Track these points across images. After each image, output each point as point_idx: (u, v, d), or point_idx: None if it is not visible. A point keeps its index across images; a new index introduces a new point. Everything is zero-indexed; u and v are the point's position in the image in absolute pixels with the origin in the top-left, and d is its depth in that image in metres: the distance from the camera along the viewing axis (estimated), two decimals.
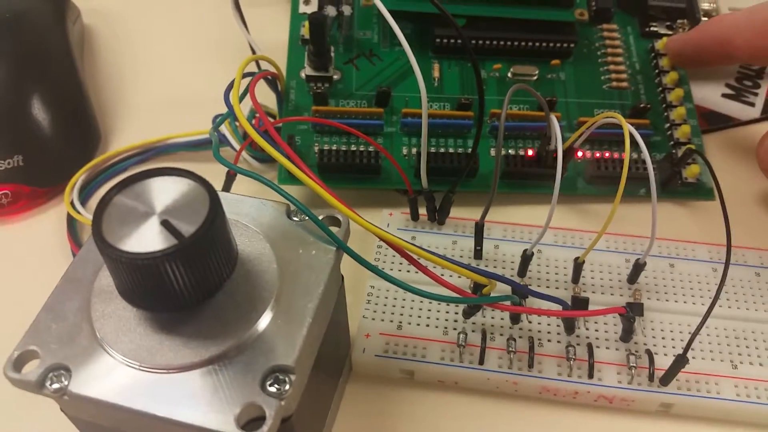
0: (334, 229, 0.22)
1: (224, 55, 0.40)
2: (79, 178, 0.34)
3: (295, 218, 0.23)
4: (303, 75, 0.35)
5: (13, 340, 0.27)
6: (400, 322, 0.28)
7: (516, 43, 0.36)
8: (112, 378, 0.19)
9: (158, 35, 0.42)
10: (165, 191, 0.19)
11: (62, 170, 0.34)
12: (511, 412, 0.27)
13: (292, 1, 0.37)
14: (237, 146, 0.33)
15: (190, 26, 0.43)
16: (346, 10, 0.36)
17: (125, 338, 0.20)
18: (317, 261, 0.22)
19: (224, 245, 0.20)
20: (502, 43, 0.36)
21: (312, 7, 0.37)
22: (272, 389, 0.19)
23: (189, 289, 0.19)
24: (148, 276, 0.18)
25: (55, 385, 0.19)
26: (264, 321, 0.20)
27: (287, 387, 0.19)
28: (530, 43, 0.36)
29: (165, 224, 0.19)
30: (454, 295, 0.23)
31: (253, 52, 0.35)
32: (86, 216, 0.32)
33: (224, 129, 0.33)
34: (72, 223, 0.32)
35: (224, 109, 0.30)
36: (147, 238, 0.18)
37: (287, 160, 0.22)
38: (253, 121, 0.34)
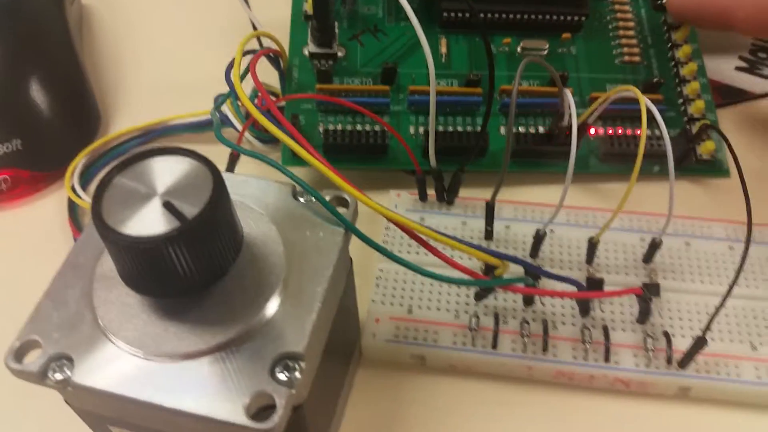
0: (341, 210, 0.21)
1: (225, 34, 0.40)
2: (80, 161, 0.33)
3: (300, 199, 0.22)
4: (306, 52, 0.34)
5: (13, 328, 0.27)
6: (411, 306, 0.27)
7: (525, 17, 0.35)
8: (115, 367, 0.19)
9: (158, 15, 0.42)
10: (166, 172, 0.19)
11: (62, 154, 0.33)
12: (526, 397, 0.26)
13: None
14: (239, 126, 0.32)
15: (189, 5, 0.42)
16: None
17: (129, 325, 0.19)
18: (325, 243, 0.21)
19: (229, 227, 0.19)
20: (511, 16, 0.35)
21: None
22: (282, 377, 0.18)
23: (193, 273, 0.18)
24: (150, 260, 0.18)
25: (58, 376, 0.19)
26: (272, 306, 0.19)
27: (297, 374, 0.18)
28: (540, 17, 0.35)
29: (167, 206, 0.18)
30: (466, 277, 0.23)
31: (255, 29, 0.34)
32: (87, 200, 0.31)
33: (226, 109, 0.33)
34: (73, 208, 0.32)
35: (226, 90, 0.29)
36: (149, 221, 0.18)
37: (291, 140, 0.22)
38: (256, 101, 0.33)
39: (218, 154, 0.23)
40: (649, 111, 0.25)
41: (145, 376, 0.19)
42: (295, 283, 0.20)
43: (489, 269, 0.26)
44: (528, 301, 0.27)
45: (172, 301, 0.19)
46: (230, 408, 0.18)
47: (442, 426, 0.26)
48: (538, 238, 0.28)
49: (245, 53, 0.29)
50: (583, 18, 0.35)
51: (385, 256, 0.21)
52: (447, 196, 0.30)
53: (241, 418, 0.17)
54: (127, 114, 0.37)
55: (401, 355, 0.26)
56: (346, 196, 0.22)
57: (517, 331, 0.26)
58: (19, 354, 0.19)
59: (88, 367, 0.19)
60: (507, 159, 0.26)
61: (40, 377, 0.19)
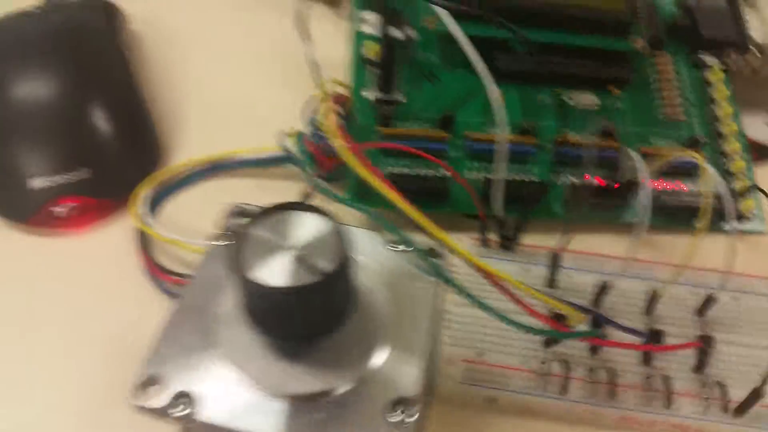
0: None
1: (277, 64, 0.41)
2: (145, 191, 0.34)
3: (391, 247, 0.23)
4: (365, 95, 0.35)
5: (90, 354, 0.28)
6: (481, 349, 0.28)
7: (574, 71, 0.37)
8: (239, 405, 0.20)
9: (209, 42, 0.43)
10: (298, 226, 0.20)
11: (127, 183, 0.34)
12: None
13: (353, 20, 0.37)
14: (301, 164, 0.34)
15: (240, 36, 0.43)
16: (413, 33, 0.36)
17: (251, 365, 0.20)
18: (422, 293, 0.22)
19: (351, 281, 0.20)
20: (559, 70, 0.36)
21: (370, 27, 0.37)
22: (395, 420, 0.19)
23: (321, 321, 0.20)
24: (287, 307, 0.19)
25: (184, 412, 0.20)
26: (381, 352, 0.21)
27: (412, 419, 0.19)
28: (588, 71, 0.37)
29: (300, 260, 0.19)
30: (547, 327, 0.24)
31: (314, 69, 0.35)
32: (154, 229, 0.32)
33: (291, 147, 0.34)
34: (142, 237, 0.33)
35: (283, 122, 0.31)
36: (281, 271, 0.19)
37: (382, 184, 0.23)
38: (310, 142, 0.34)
39: (282, 191, 0.24)
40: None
41: (269, 414, 0.20)
42: (397, 330, 0.21)
43: (559, 317, 0.27)
44: (594, 349, 0.28)
45: (293, 344, 0.21)
46: None
47: None
48: (603, 289, 0.29)
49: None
50: (629, 74, 0.37)
51: (486, 311, 0.22)
52: (509, 243, 0.31)
53: None
54: (185, 144, 0.38)
55: (474, 396, 0.27)
56: (439, 248, 0.23)
57: (584, 377, 0.27)
58: (141, 390, 0.20)
59: (212, 403, 0.20)
60: (577, 215, 0.28)
61: (165, 413, 0.20)
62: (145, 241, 0.33)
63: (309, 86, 0.37)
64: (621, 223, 0.33)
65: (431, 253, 0.23)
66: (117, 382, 0.28)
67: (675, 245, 0.33)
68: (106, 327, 0.30)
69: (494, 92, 0.28)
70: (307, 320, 0.20)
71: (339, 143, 0.24)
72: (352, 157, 0.24)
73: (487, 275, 0.23)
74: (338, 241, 0.19)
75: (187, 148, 0.37)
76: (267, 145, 0.35)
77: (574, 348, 0.28)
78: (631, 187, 0.33)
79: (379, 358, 0.21)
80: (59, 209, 0.33)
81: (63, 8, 0.38)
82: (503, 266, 0.31)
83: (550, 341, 0.28)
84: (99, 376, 0.29)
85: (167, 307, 0.30)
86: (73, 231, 0.34)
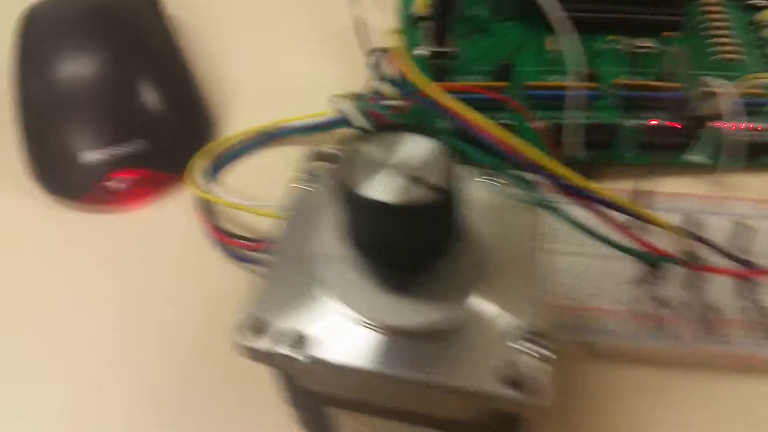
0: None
1: (318, 34, 0.40)
2: (201, 161, 0.33)
3: (485, 178, 0.23)
4: (418, 52, 0.34)
5: (174, 330, 0.27)
6: (573, 295, 0.27)
7: (626, 17, 0.36)
8: (355, 341, 0.19)
9: (246, 18, 0.42)
10: (407, 146, 0.19)
11: (181, 155, 0.34)
12: (698, 383, 0.27)
13: None
14: (362, 124, 0.33)
15: (278, 7, 0.42)
16: None
17: (359, 300, 0.19)
18: (524, 220, 0.21)
19: (458, 207, 0.19)
20: (613, 16, 0.36)
21: None
22: (528, 350, 0.18)
23: (430, 246, 0.19)
24: (397, 227, 0.18)
25: (292, 351, 0.19)
26: (496, 282, 0.20)
27: (545, 351, 0.18)
28: (641, 16, 0.36)
29: (412, 178, 0.18)
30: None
31: (360, 32, 0.34)
32: (217, 195, 0.31)
33: (344, 108, 0.33)
34: (204, 205, 0.32)
35: (329, 90, 0.30)
36: (392, 189, 0.18)
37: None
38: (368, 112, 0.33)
39: None
40: None
41: (385, 349, 0.19)
42: (504, 261, 0.20)
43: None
44: (692, 284, 0.27)
45: (397, 274, 0.20)
46: (486, 380, 0.18)
47: (613, 414, 0.26)
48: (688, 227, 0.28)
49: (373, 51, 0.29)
50: (681, 18, 0.36)
51: (593, 237, 0.21)
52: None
53: (504, 389, 0.18)
54: (234, 116, 0.37)
55: (569, 343, 0.26)
56: (535, 180, 0.22)
57: (686, 316, 0.26)
58: (247, 332, 0.19)
59: (323, 342, 0.19)
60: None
61: (275, 355, 0.19)
62: (208, 210, 0.32)
63: (349, 53, 0.37)
64: (690, 163, 0.33)
65: (528, 184, 0.22)
66: (207, 354, 0.28)
67: (748, 183, 0.32)
68: (184, 300, 0.30)
69: (569, 39, 0.27)
70: (417, 244, 0.19)
71: (424, 82, 0.23)
72: (440, 92, 0.23)
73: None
74: (449, 163, 0.18)
75: (236, 120, 0.37)
76: (316, 112, 0.35)
77: (669, 288, 0.27)
78: (700, 125, 0.32)
79: (490, 289, 0.20)
80: (114, 184, 0.32)
81: None
82: (578, 211, 0.30)
83: (647, 277, 0.27)
84: (186, 350, 0.28)
85: (241, 274, 0.30)
86: (129, 207, 0.33)
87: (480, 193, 0.22)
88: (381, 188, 0.18)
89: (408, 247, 0.18)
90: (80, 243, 0.32)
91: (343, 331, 0.19)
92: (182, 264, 0.31)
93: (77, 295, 0.30)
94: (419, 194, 0.18)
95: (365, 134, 0.19)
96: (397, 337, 0.19)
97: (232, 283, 0.30)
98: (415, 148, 0.19)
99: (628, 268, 0.28)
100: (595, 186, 0.21)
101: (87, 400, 0.27)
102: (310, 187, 0.23)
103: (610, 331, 0.26)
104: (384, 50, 0.30)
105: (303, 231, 0.21)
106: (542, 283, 0.20)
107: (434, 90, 0.23)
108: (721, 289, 0.27)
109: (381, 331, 0.19)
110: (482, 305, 0.19)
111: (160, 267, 0.31)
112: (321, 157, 0.24)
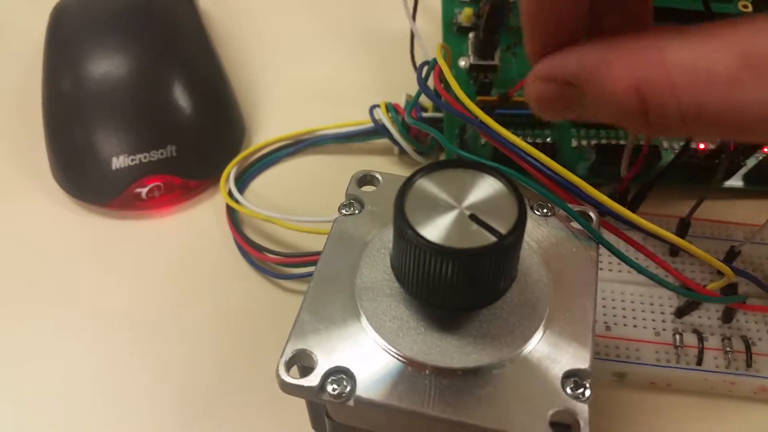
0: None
1: (356, 41, 0.39)
2: (232, 169, 0.32)
3: (537, 212, 0.22)
4: (462, 64, 0.33)
5: (199, 338, 0.26)
6: (607, 323, 0.27)
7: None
8: (400, 380, 0.18)
9: (280, 19, 0.41)
10: (469, 184, 0.18)
11: (211, 162, 0.33)
12: (727, 413, 0.26)
13: None
14: (397, 136, 0.32)
15: (308, 14, 0.42)
16: None
17: (405, 338, 0.19)
18: (580, 258, 0.21)
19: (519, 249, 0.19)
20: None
21: None
22: (574, 393, 0.18)
23: (488, 289, 0.18)
24: (454, 271, 0.17)
25: (338, 390, 0.18)
26: (547, 323, 0.19)
27: (588, 392, 0.18)
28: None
29: (474, 219, 0.17)
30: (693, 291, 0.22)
31: (412, 40, 0.34)
32: (248, 207, 0.31)
33: (383, 118, 0.32)
34: (233, 215, 0.31)
35: (363, 98, 0.29)
36: (448, 230, 0.17)
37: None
38: (412, 112, 0.32)
39: (369, 166, 0.23)
40: None
41: (432, 390, 0.18)
42: (562, 299, 0.20)
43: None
44: (728, 317, 0.26)
45: (445, 313, 0.19)
46: (532, 424, 0.17)
47: None
48: (732, 255, 0.27)
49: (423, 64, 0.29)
50: None
51: (640, 272, 0.21)
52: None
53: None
54: (265, 123, 0.36)
55: (602, 372, 0.26)
56: (590, 212, 0.22)
57: (718, 347, 0.26)
58: (289, 367, 0.19)
59: (369, 380, 0.18)
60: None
61: (319, 392, 0.18)
62: (236, 221, 0.31)
63: (388, 62, 0.36)
64: (738, 189, 0.32)
65: (583, 215, 0.21)
66: (234, 362, 0.27)
67: None
68: (208, 308, 0.29)
69: None
70: (473, 288, 0.18)
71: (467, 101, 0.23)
72: (480, 111, 0.22)
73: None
74: (513, 206, 0.18)
75: (267, 126, 0.36)
76: (349, 121, 0.34)
77: (702, 318, 0.27)
78: (752, 149, 0.31)
79: (543, 329, 0.19)
80: (144, 190, 0.31)
81: None
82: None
83: (683, 311, 0.26)
84: (211, 359, 0.28)
85: (267, 286, 0.29)
86: (155, 212, 0.33)
87: (537, 229, 0.21)
88: (440, 230, 0.17)
89: (463, 291, 0.18)
90: (105, 248, 0.31)
91: (388, 370, 0.18)
92: (208, 272, 0.30)
93: (102, 299, 0.29)
94: (480, 239, 0.17)
95: (426, 169, 0.18)
96: (444, 378, 0.18)
97: (257, 293, 0.29)
98: (479, 187, 0.18)
99: (664, 297, 0.27)
100: (637, 217, 0.21)
101: (113, 403, 0.27)
102: (355, 212, 0.22)
103: (644, 360, 0.26)
104: (430, 63, 0.29)
105: (346, 259, 0.21)
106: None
107: (478, 109, 0.22)
108: (757, 322, 0.27)
109: (428, 371, 0.18)
110: (534, 346, 0.19)
111: (186, 274, 0.30)
112: (367, 181, 0.23)
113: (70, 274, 0.30)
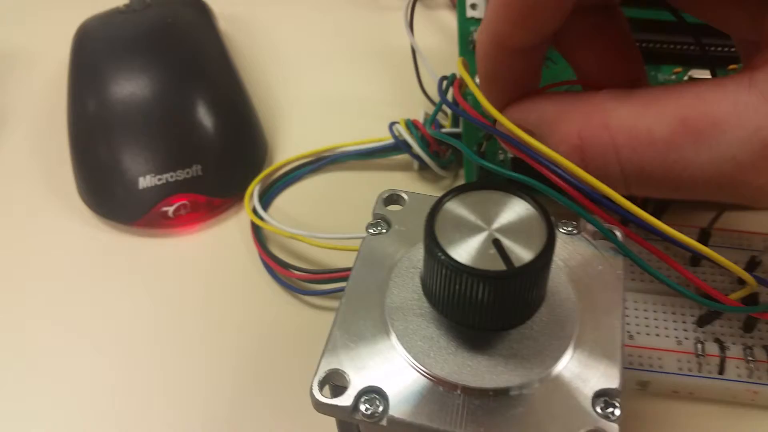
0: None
1: (375, 57, 0.40)
2: (256, 186, 0.33)
3: (563, 230, 0.22)
4: (478, 81, 0.34)
5: (224, 349, 0.27)
6: (629, 332, 0.27)
7: (692, 48, 0.35)
8: (432, 400, 0.19)
9: (297, 38, 0.42)
10: (500, 207, 0.19)
11: (236, 180, 0.34)
12: (749, 422, 0.26)
13: (458, 6, 0.36)
14: (418, 151, 0.33)
15: (325, 31, 0.42)
16: None
17: (437, 358, 0.19)
18: (607, 275, 0.21)
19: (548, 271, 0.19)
20: (677, 47, 0.35)
21: (479, 12, 0.36)
22: (606, 413, 0.18)
23: (519, 309, 0.19)
24: (489, 294, 0.18)
25: (371, 410, 0.19)
26: (576, 342, 0.20)
27: (618, 411, 0.18)
28: (706, 48, 0.35)
29: (496, 244, 0.18)
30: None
31: (414, 57, 0.34)
32: (272, 224, 0.31)
33: (404, 134, 0.33)
34: (258, 232, 0.32)
35: (382, 114, 0.29)
36: (479, 253, 0.18)
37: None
38: (431, 127, 0.33)
39: (389, 182, 0.24)
40: None
41: (463, 410, 0.18)
42: (590, 318, 0.20)
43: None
44: (749, 327, 0.27)
45: (475, 333, 0.19)
46: None
47: None
48: (752, 265, 0.28)
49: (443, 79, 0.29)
50: None
51: (668, 285, 0.21)
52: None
53: None
54: (288, 140, 0.37)
55: (626, 380, 0.26)
56: (616, 230, 0.22)
57: (740, 357, 0.26)
58: (323, 387, 0.19)
59: (401, 399, 0.19)
60: None
61: (352, 411, 0.19)
62: (261, 238, 0.32)
63: (406, 78, 0.37)
64: None
65: (609, 231, 0.22)
66: (259, 380, 0.28)
67: None
68: (234, 326, 0.30)
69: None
70: (503, 310, 0.18)
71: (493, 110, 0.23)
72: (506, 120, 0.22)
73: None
74: (543, 229, 0.18)
75: (290, 143, 0.37)
76: (371, 137, 0.34)
77: (724, 327, 0.27)
78: None
79: (573, 348, 0.19)
80: (170, 208, 0.32)
81: (159, 5, 0.37)
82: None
83: (705, 320, 0.27)
84: (238, 375, 0.28)
85: (293, 302, 0.30)
86: (180, 231, 0.33)
87: (564, 247, 0.22)
88: (471, 251, 0.18)
89: (494, 312, 0.18)
90: (132, 266, 0.32)
91: (420, 390, 0.19)
92: (235, 288, 0.31)
93: (129, 318, 0.30)
94: (510, 262, 0.18)
95: (456, 190, 0.19)
96: (476, 398, 0.19)
97: (283, 309, 0.30)
98: (508, 209, 0.19)
99: (686, 306, 0.27)
100: (666, 225, 0.21)
101: (138, 423, 0.27)
102: (382, 231, 0.23)
103: (669, 370, 0.26)
104: (449, 77, 0.30)
105: (375, 279, 0.21)
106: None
107: (504, 118, 0.23)
108: None
109: (459, 391, 0.19)
110: (564, 366, 0.19)
111: (213, 291, 0.31)
112: (393, 200, 0.23)
113: (96, 293, 0.31)
